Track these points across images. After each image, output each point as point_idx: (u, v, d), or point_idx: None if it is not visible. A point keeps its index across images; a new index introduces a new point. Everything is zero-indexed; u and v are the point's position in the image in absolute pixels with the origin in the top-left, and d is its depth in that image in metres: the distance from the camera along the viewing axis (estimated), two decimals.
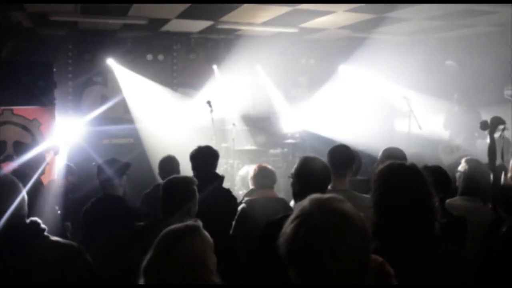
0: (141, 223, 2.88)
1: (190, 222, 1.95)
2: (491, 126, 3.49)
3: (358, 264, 1.25)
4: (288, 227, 1.30)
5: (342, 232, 1.24)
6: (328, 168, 2.66)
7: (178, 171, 4.55)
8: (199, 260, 1.82)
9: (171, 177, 3.01)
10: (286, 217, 2.52)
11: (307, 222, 1.27)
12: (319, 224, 1.25)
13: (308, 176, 2.58)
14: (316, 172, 2.59)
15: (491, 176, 3.36)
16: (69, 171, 5.09)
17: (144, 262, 1.83)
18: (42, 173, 4.03)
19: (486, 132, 3.52)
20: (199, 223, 1.96)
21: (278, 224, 2.54)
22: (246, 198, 3.87)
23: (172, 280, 1.78)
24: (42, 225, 2.00)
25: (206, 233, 1.93)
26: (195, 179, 3.00)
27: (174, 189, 2.88)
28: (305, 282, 1.27)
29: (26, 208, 2.00)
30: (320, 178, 2.59)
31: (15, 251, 1.89)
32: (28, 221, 1.98)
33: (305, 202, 1.34)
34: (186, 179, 2.98)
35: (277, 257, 2.36)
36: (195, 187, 2.94)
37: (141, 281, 1.83)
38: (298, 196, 2.59)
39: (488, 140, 5.40)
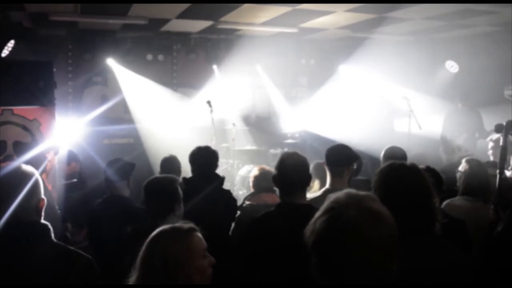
0: (131, 227, 2.86)
1: (178, 224, 1.91)
2: (506, 128, 3.57)
3: (385, 263, 1.25)
4: (320, 217, 1.30)
5: (375, 230, 1.24)
6: (306, 165, 2.65)
7: (179, 171, 4.55)
8: (176, 264, 1.79)
9: (152, 178, 2.97)
10: (267, 214, 2.56)
11: (343, 216, 1.26)
12: (355, 220, 1.25)
13: (281, 171, 2.62)
14: (288, 168, 2.60)
15: (498, 177, 3.38)
16: (72, 157, 5.07)
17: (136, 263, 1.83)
18: (44, 171, 4.03)
19: (500, 135, 3.60)
20: (187, 226, 1.91)
21: (261, 221, 2.58)
22: (247, 202, 3.86)
23: (150, 281, 1.76)
24: (50, 229, 1.94)
25: (197, 237, 1.89)
26: (177, 178, 2.98)
27: (157, 190, 2.84)
28: (325, 275, 1.26)
29: (36, 202, 1.93)
30: (291, 173, 2.59)
31: (15, 250, 1.86)
32: (37, 222, 1.93)
33: (340, 196, 1.33)
34: (167, 178, 2.95)
35: (263, 254, 2.38)
36: (178, 186, 2.90)
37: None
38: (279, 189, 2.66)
39: (489, 140, 5.46)
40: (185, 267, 1.81)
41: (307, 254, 1.30)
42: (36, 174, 1.98)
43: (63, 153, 4.73)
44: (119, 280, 2.00)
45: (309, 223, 1.32)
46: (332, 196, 1.34)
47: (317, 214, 1.32)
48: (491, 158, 5.02)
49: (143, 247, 1.84)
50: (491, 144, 5.38)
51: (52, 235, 1.95)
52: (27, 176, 1.94)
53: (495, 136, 5.42)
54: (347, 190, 1.36)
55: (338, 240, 1.24)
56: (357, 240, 1.23)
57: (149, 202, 2.84)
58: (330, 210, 1.30)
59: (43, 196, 1.97)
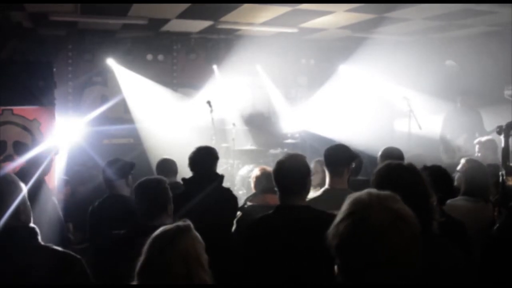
0: (122, 231, 2.86)
1: (180, 222, 1.94)
2: (506, 130, 3.66)
3: (409, 262, 1.25)
4: (343, 220, 1.28)
5: (401, 232, 1.24)
6: (302, 170, 2.62)
7: (175, 172, 4.55)
8: (193, 259, 1.82)
9: (142, 180, 2.93)
10: (266, 216, 2.55)
11: (367, 219, 1.25)
12: (379, 222, 1.24)
13: (277, 174, 2.62)
14: (284, 172, 2.59)
15: (501, 177, 3.40)
16: (64, 183, 5.08)
17: (137, 266, 1.82)
18: (48, 171, 4.02)
19: (502, 136, 3.69)
20: (189, 223, 1.95)
21: (259, 223, 2.59)
22: (248, 203, 3.86)
23: (168, 280, 1.77)
24: (37, 232, 1.97)
25: (196, 233, 1.93)
26: (165, 178, 2.98)
27: (151, 191, 2.82)
28: (349, 276, 1.27)
29: (25, 209, 1.98)
30: (286, 177, 2.58)
31: (7, 255, 1.88)
32: (26, 225, 1.96)
33: (363, 196, 1.31)
34: (157, 179, 2.93)
35: (262, 256, 2.38)
36: (167, 186, 2.90)
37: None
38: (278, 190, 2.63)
39: (476, 142, 5.52)
40: (201, 261, 1.84)
41: (308, 256, 1.30)
42: (19, 180, 2.03)
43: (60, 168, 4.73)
44: (119, 280, 1.99)
45: (332, 226, 1.31)
46: (353, 197, 1.33)
47: (339, 216, 1.30)
48: None
49: (151, 248, 1.84)
50: (477, 147, 5.43)
51: (39, 237, 1.97)
52: (15, 183, 1.99)
53: (483, 138, 5.47)
54: (368, 190, 1.34)
55: (363, 244, 1.24)
56: (382, 243, 1.22)
57: (145, 204, 2.81)
58: (353, 212, 1.28)
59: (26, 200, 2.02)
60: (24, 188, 2.02)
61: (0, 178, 2.00)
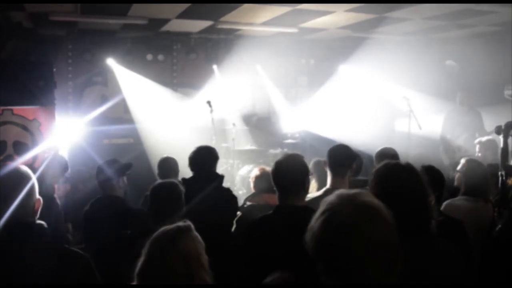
0: (128, 231, 2.86)
1: (180, 222, 1.95)
2: (505, 130, 3.66)
3: (389, 256, 1.25)
4: (316, 222, 1.29)
5: (374, 225, 1.24)
6: (300, 170, 2.63)
7: (177, 171, 4.55)
8: (194, 260, 1.83)
9: (158, 184, 2.96)
10: (265, 216, 2.56)
11: (338, 216, 1.26)
12: (351, 218, 1.24)
13: (274, 174, 2.63)
14: (281, 172, 2.60)
15: (500, 177, 3.40)
16: (64, 181, 5.07)
17: (137, 267, 1.82)
18: (45, 170, 4.02)
19: (501, 136, 3.70)
20: (189, 223, 1.95)
21: (258, 224, 2.59)
22: (248, 203, 3.87)
23: (168, 281, 1.77)
24: (46, 228, 1.97)
25: (197, 233, 1.94)
26: (178, 181, 2.98)
27: (167, 196, 2.84)
28: (334, 278, 1.25)
29: (35, 204, 1.97)
30: (283, 177, 2.59)
31: (13, 250, 1.87)
32: (35, 221, 1.96)
33: (332, 197, 1.32)
34: (174, 184, 2.95)
35: (261, 256, 2.38)
36: (182, 191, 2.92)
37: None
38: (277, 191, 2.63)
39: (476, 142, 5.53)
40: (201, 261, 1.85)
41: (307, 256, 1.30)
42: (32, 175, 2.00)
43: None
44: (117, 281, 2.00)
45: (307, 229, 1.31)
46: (325, 200, 1.33)
47: (313, 219, 1.31)
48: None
49: (151, 248, 1.83)
50: (478, 147, 5.43)
51: (47, 233, 1.97)
52: (25, 177, 1.97)
53: (484, 138, 5.47)
54: (338, 191, 1.35)
55: (337, 241, 1.23)
56: (356, 238, 1.22)
57: (157, 206, 2.84)
58: (324, 211, 1.29)
59: (38, 196, 2.00)
60: (35, 182, 2.00)
61: (11, 171, 1.98)
